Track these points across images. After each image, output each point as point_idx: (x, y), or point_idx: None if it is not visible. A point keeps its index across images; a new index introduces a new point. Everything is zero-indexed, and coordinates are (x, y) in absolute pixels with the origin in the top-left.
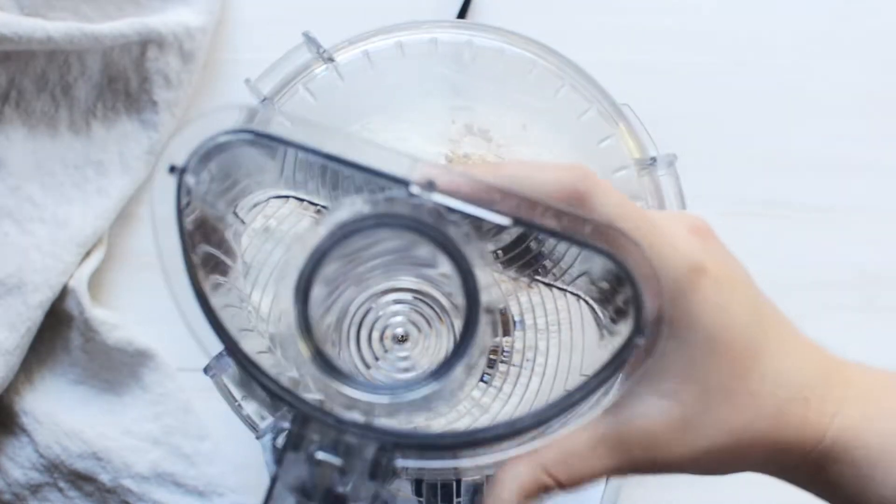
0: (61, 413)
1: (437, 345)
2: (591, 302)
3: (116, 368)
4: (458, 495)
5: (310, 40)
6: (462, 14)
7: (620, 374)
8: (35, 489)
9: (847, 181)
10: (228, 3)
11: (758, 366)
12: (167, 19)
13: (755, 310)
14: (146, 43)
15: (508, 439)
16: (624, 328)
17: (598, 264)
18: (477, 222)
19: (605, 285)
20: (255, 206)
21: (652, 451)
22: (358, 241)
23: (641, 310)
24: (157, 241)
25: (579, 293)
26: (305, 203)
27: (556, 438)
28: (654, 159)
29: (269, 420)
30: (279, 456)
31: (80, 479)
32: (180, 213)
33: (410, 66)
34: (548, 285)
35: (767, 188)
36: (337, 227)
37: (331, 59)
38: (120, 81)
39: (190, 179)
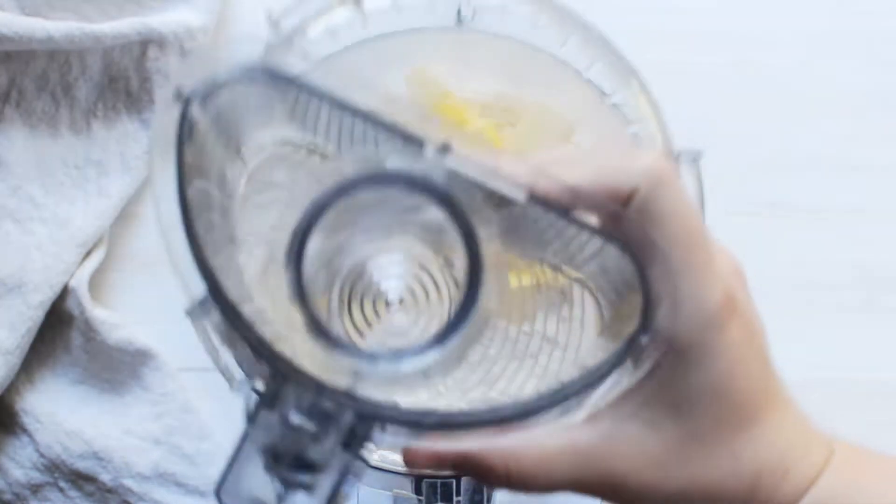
0: (62, 413)
1: (431, 315)
2: (596, 294)
3: (117, 368)
4: (458, 494)
5: None
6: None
7: (611, 379)
8: (36, 489)
9: (847, 181)
10: (229, 2)
11: (750, 428)
12: (168, 19)
13: (767, 372)
14: (147, 43)
15: (491, 425)
16: (628, 328)
17: (612, 256)
18: (492, 193)
19: (616, 278)
20: (259, 146)
21: (618, 478)
22: (360, 198)
23: (651, 306)
24: (152, 169)
25: (587, 282)
26: (304, 150)
27: (524, 430)
28: (679, 154)
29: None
30: (252, 414)
31: (80, 479)
32: (181, 144)
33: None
34: (554, 268)
35: (768, 188)
36: (339, 184)
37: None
38: (121, 81)
39: (196, 111)
